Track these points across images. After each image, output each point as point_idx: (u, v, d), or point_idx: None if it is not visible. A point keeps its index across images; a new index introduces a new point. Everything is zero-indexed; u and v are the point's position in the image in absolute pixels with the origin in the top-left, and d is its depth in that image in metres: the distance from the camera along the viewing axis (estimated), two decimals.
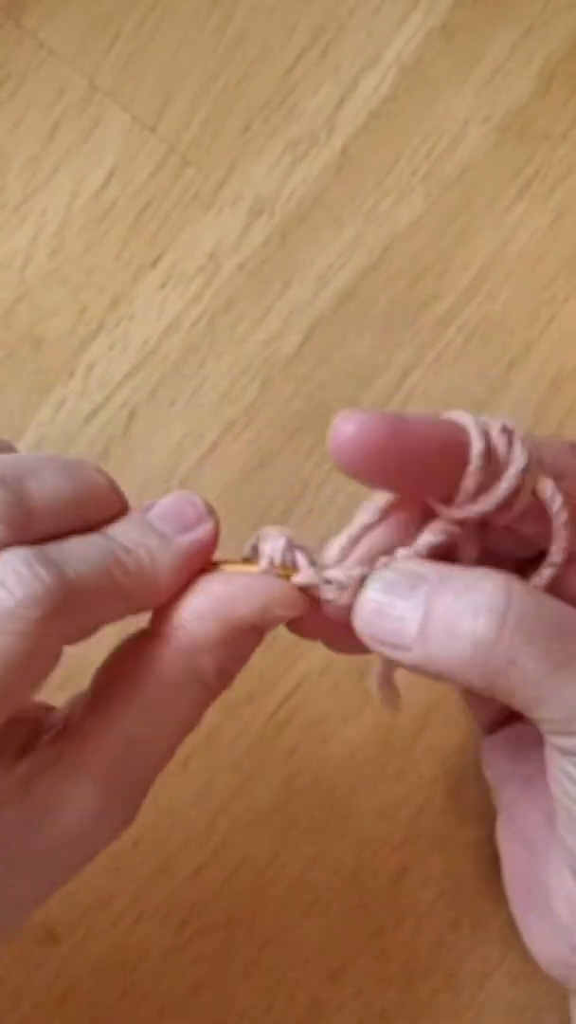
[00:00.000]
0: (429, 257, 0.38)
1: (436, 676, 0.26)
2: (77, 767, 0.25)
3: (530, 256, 0.39)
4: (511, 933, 0.36)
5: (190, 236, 0.38)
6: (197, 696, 0.26)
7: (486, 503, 0.27)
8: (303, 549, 0.27)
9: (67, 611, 0.23)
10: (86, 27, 0.38)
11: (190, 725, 0.27)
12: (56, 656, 0.24)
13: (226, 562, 0.27)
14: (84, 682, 0.27)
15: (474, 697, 0.33)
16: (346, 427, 0.25)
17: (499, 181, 0.38)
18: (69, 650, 0.27)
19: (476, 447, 0.26)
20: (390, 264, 0.38)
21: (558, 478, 0.27)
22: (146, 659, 0.26)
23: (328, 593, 0.27)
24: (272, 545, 0.27)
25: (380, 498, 0.28)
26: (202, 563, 0.27)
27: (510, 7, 0.39)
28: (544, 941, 0.30)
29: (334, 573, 0.27)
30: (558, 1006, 0.36)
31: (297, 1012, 0.35)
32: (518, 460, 0.26)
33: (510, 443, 0.26)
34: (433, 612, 0.26)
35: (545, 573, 0.28)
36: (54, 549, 0.24)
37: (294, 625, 0.28)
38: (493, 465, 0.26)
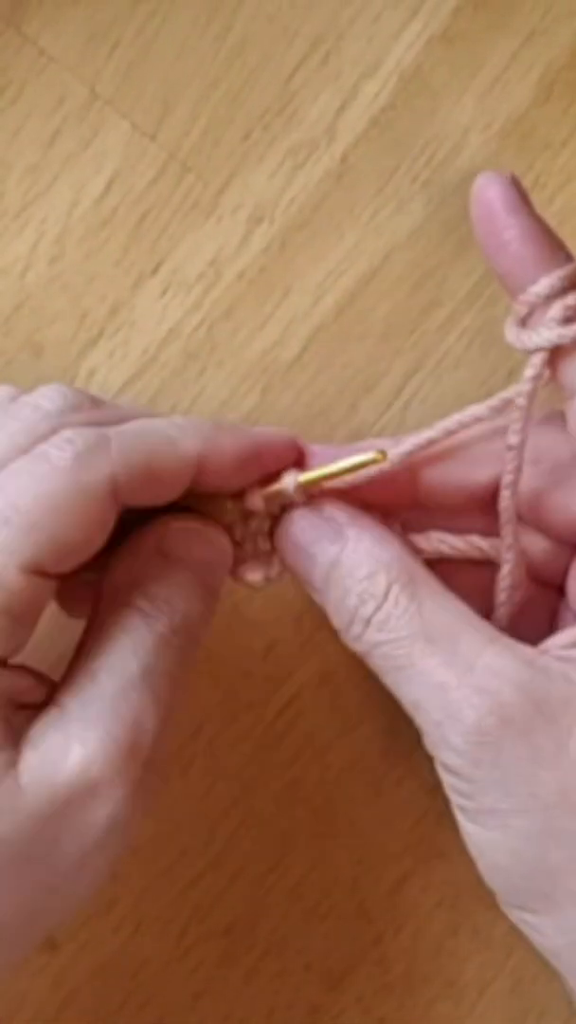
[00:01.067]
0: (429, 264, 0.38)
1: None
2: (55, 711, 0.26)
3: None
4: (512, 940, 0.36)
5: (190, 243, 0.38)
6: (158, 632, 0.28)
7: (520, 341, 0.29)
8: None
9: (113, 477, 0.26)
10: (87, 35, 0.38)
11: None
12: (109, 515, 0.26)
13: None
14: None
15: None
16: (485, 184, 0.30)
17: None
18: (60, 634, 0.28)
19: (541, 285, 0.29)
20: (390, 271, 0.38)
21: None
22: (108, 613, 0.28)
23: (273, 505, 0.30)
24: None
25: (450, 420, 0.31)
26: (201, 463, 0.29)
27: (511, 15, 0.39)
28: None
29: (286, 483, 0.30)
30: (559, 1013, 0.36)
31: (297, 1019, 0.35)
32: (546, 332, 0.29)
33: (565, 317, 0.29)
34: (332, 577, 0.29)
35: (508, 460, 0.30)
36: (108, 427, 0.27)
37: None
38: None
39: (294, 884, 0.36)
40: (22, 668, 0.27)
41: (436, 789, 0.36)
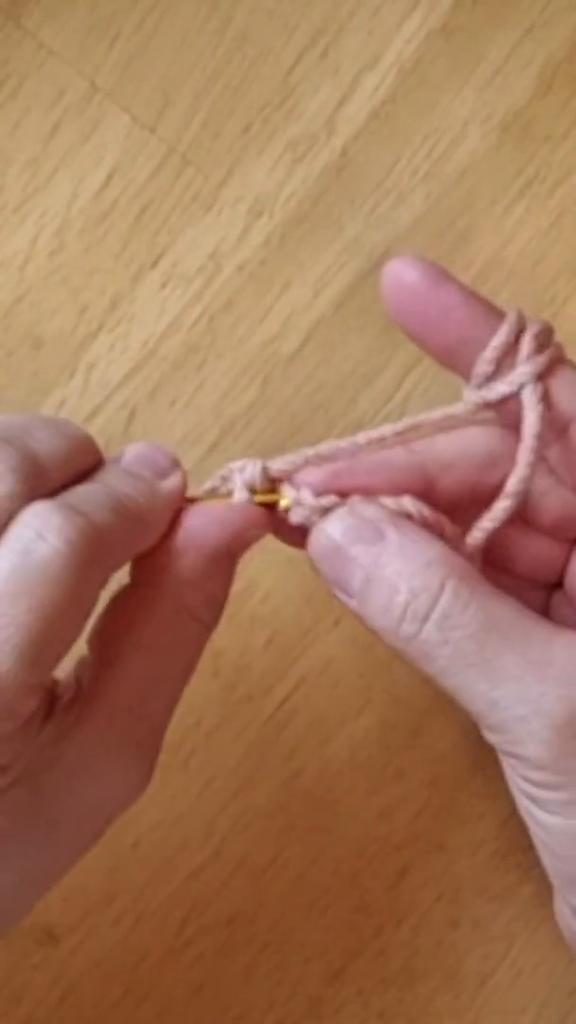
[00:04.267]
0: (429, 257, 0.38)
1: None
2: (96, 726, 0.26)
3: (530, 257, 0.39)
4: (511, 933, 0.36)
5: (190, 237, 0.38)
6: (194, 632, 0.27)
7: (494, 391, 0.28)
8: (275, 471, 0.29)
9: (101, 554, 0.24)
10: (86, 28, 0.38)
11: (192, 663, 0.28)
12: (95, 601, 0.25)
13: (198, 499, 0.29)
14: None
15: None
16: (401, 269, 0.29)
17: (499, 182, 0.39)
18: None
19: (498, 338, 0.28)
20: None
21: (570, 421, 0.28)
22: (138, 609, 0.27)
23: (295, 516, 0.28)
24: (250, 472, 0.29)
25: (385, 428, 0.29)
26: (179, 505, 0.28)
27: (510, 8, 0.39)
28: None
29: (304, 496, 0.28)
30: (560, 1006, 0.36)
31: (297, 1012, 0.35)
32: (535, 360, 0.28)
33: (538, 346, 0.28)
34: (376, 576, 0.27)
35: (499, 507, 0.29)
36: (72, 499, 0.25)
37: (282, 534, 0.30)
38: (509, 360, 0.28)
39: (294, 877, 0.36)
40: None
41: (436, 782, 0.36)
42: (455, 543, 0.29)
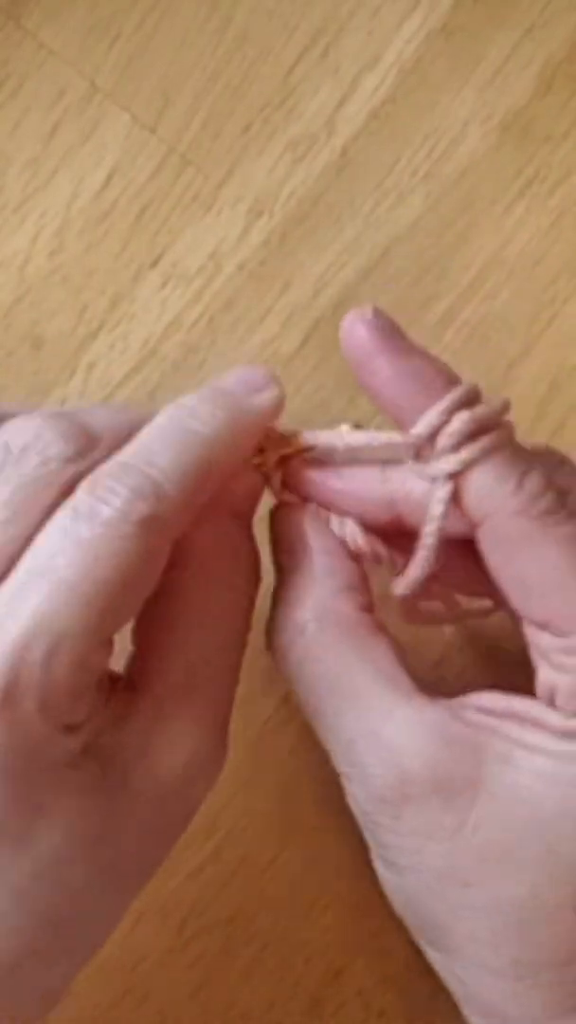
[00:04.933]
0: (429, 258, 0.38)
1: None
2: (151, 702, 0.26)
3: (530, 257, 0.39)
4: None
5: (190, 236, 0.38)
6: (231, 599, 0.27)
7: (416, 470, 0.27)
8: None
9: (172, 510, 0.24)
10: (87, 28, 0.38)
11: (239, 632, 0.27)
12: (166, 555, 0.25)
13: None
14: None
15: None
16: (356, 322, 0.28)
17: (499, 182, 0.39)
18: None
19: (426, 419, 0.27)
20: (390, 265, 0.38)
21: (563, 492, 0.27)
22: (171, 591, 0.26)
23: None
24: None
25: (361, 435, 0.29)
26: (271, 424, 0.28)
27: (510, 8, 0.39)
28: None
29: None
30: None
31: (297, 1012, 0.35)
32: (447, 463, 0.27)
33: (471, 433, 0.26)
34: (279, 592, 0.28)
35: (410, 572, 0.28)
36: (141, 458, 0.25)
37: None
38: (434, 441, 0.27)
39: (294, 877, 0.36)
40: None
41: None
42: (394, 573, 0.29)
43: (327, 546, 0.28)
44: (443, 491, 0.27)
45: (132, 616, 0.25)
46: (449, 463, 0.26)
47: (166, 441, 0.25)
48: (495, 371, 0.38)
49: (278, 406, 0.28)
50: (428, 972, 0.36)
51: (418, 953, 0.36)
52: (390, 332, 0.28)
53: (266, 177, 0.38)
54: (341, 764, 0.28)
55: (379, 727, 0.27)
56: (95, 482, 0.24)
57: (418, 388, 0.27)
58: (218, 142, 0.38)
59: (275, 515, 0.29)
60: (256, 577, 0.28)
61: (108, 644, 0.24)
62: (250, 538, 0.28)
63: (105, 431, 0.25)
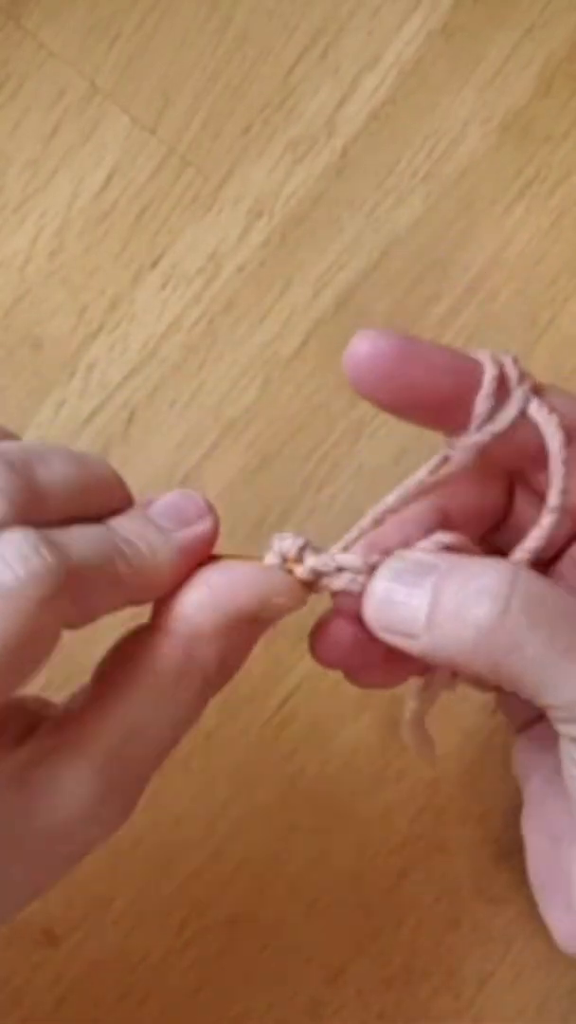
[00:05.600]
0: (429, 258, 0.38)
1: (446, 664, 0.27)
2: (75, 754, 0.25)
3: (530, 257, 0.39)
4: (511, 933, 0.36)
5: (190, 237, 0.38)
6: (197, 688, 0.26)
7: (497, 425, 0.27)
8: (318, 549, 0.28)
9: (67, 593, 0.23)
10: (86, 28, 0.38)
11: (190, 719, 0.27)
12: (55, 638, 0.24)
13: (228, 557, 0.27)
14: (85, 680, 0.27)
15: (505, 696, 0.33)
16: (360, 347, 0.26)
17: (499, 182, 0.39)
18: (70, 651, 0.27)
19: (489, 372, 0.27)
20: (390, 265, 0.38)
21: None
22: (146, 650, 0.26)
23: (338, 582, 0.27)
24: (290, 543, 0.28)
25: (389, 497, 0.28)
26: (202, 559, 0.27)
27: (510, 8, 0.39)
28: (569, 930, 0.30)
29: (347, 559, 0.27)
30: (558, 1006, 0.36)
31: (297, 1012, 0.35)
32: (525, 384, 0.27)
33: (521, 374, 0.27)
34: (440, 599, 0.26)
35: (545, 523, 0.28)
36: (57, 533, 0.24)
37: (321, 653, 0.29)
38: (502, 393, 0.27)
39: (294, 878, 0.36)
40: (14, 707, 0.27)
41: (436, 783, 0.36)
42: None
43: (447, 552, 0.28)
44: (543, 406, 0.27)
45: (12, 686, 0.24)
46: (529, 382, 0.27)
47: (94, 549, 0.25)
48: None
49: (210, 537, 0.27)
50: (428, 972, 0.36)
51: (418, 953, 0.36)
52: (398, 341, 0.27)
53: (266, 178, 0.38)
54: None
55: None
56: (12, 545, 0.23)
57: (462, 359, 0.27)
58: (218, 142, 0.38)
59: None
60: (228, 675, 0.27)
61: None
62: (241, 636, 0.27)
63: (54, 487, 0.25)
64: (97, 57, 0.38)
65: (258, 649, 0.36)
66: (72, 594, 0.24)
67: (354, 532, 0.28)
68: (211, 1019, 0.35)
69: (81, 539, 0.25)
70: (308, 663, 0.36)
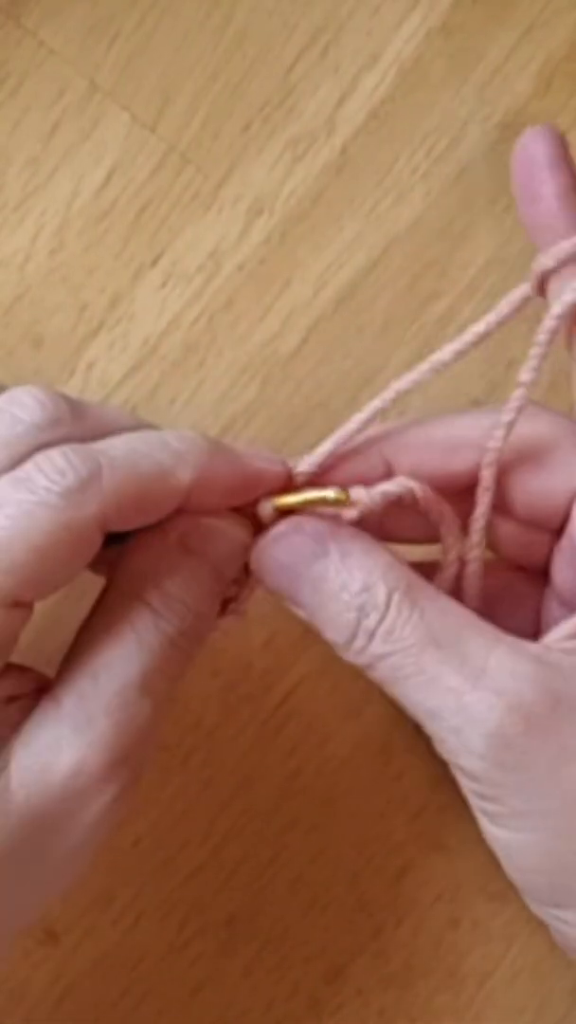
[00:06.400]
0: (429, 256, 0.38)
1: None
2: (47, 702, 0.26)
3: (530, 256, 0.38)
4: (511, 932, 0.36)
5: (190, 235, 0.38)
6: (150, 623, 0.27)
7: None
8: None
9: (103, 499, 0.25)
10: (86, 27, 0.38)
11: (154, 660, 0.27)
12: (95, 545, 0.25)
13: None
14: None
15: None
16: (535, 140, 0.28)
17: (499, 181, 0.39)
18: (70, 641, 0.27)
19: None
20: (390, 263, 0.38)
21: None
22: (99, 599, 0.27)
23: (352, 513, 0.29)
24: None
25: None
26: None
27: (510, 7, 0.39)
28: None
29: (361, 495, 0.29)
30: (559, 1006, 0.36)
31: (297, 1011, 0.35)
32: None
33: None
34: (324, 592, 0.28)
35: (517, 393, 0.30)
36: (102, 444, 0.26)
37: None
38: None
39: (294, 876, 0.36)
40: (8, 667, 0.27)
41: (437, 781, 0.36)
42: (453, 528, 0.30)
43: (351, 534, 0.29)
44: (558, 308, 0.28)
45: (44, 591, 0.25)
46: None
47: (130, 447, 0.26)
48: (495, 370, 0.38)
49: (277, 476, 0.29)
50: (428, 972, 0.36)
51: (418, 953, 0.36)
52: (563, 154, 0.28)
53: (266, 176, 0.38)
54: (447, 719, 0.27)
55: (484, 663, 0.27)
56: (48, 452, 0.25)
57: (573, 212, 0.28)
58: (218, 141, 0.38)
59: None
60: (200, 631, 0.28)
61: (17, 608, 0.25)
62: (214, 592, 0.28)
63: (93, 415, 0.27)
64: (97, 56, 0.38)
65: (257, 648, 0.36)
66: (109, 500, 0.25)
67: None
68: (211, 1018, 0.35)
69: (122, 443, 0.26)
70: (307, 662, 0.37)
